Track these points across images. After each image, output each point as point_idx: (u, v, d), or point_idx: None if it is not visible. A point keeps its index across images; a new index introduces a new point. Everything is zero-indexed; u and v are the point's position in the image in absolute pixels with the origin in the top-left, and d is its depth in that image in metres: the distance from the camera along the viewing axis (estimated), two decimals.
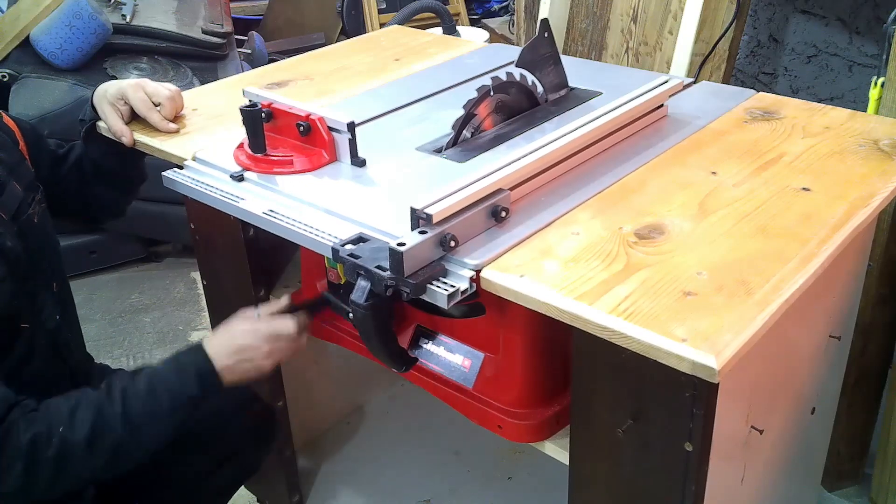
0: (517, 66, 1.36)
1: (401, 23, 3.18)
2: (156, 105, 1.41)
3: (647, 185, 1.14)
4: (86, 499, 1.27)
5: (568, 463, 1.09)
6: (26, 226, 1.22)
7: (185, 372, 1.16)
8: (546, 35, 1.38)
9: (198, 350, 1.18)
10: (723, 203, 1.08)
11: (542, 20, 1.39)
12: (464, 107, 1.27)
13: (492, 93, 1.30)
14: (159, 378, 1.15)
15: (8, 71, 2.59)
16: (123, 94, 1.39)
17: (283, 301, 1.27)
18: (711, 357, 0.80)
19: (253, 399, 1.46)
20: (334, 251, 1.02)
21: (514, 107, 1.36)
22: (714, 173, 1.16)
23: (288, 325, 1.22)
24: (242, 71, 2.62)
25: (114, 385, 1.14)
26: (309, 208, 1.15)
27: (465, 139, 1.29)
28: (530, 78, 1.37)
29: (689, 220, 1.05)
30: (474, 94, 1.28)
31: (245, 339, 1.19)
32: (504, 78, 1.32)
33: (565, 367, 1.08)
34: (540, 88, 1.39)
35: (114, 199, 1.52)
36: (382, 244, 1.00)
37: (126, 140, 1.39)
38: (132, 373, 1.17)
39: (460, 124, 1.28)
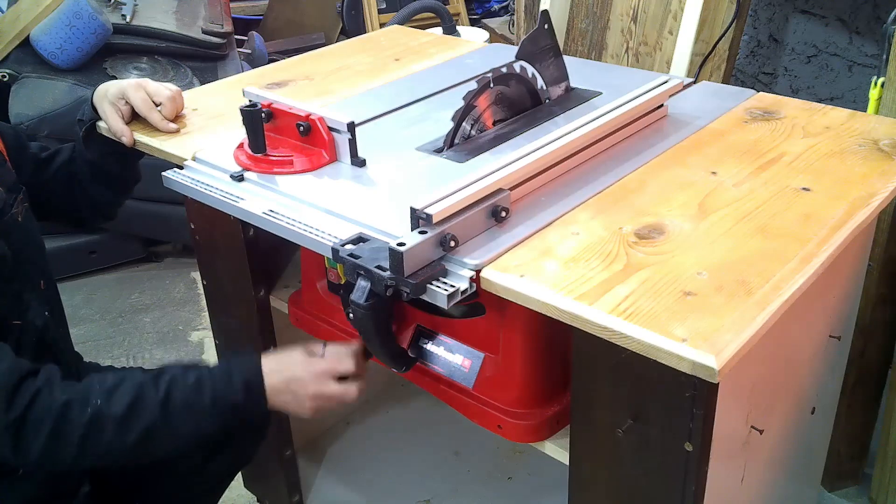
0: (517, 57, 1.35)
1: (401, 23, 3.18)
2: (156, 105, 1.41)
3: (647, 185, 1.14)
4: (80, 496, 1.27)
5: (568, 463, 1.09)
6: (10, 226, 1.23)
7: (233, 377, 1.17)
8: (546, 27, 1.37)
9: (252, 361, 1.19)
10: (723, 203, 1.08)
11: (542, 11, 1.38)
12: (463, 98, 1.27)
13: (492, 84, 1.30)
14: (208, 376, 1.16)
15: (8, 71, 2.59)
16: (124, 93, 1.39)
17: (353, 346, 1.24)
18: (711, 357, 0.80)
19: None
20: (334, 251, 1.02)
21: (514, 99, 1.36)
22: (714, 173, 1.16)
23: (350, 390, 1.21)
24: (242, 71, 2.61)
25: (164, 372, 1.15)
26: (309, 208, 1.15)
27: (464, 131, 1.29)
28: (530, 70, 1.37)
29: (689, 220, 1.05)
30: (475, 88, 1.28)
31: (297, 371, 1.18)
32: (504, 70, 1.31)
33: (565, 367, 1.08)
34: (540, 81, 1.39)
35: (109, 200, 1.52)
36: (382, 244, 1.00)
37: (126, 140, 1.39)
38: (186, 365, 1.18)
39: (460, 116, 1.27)
